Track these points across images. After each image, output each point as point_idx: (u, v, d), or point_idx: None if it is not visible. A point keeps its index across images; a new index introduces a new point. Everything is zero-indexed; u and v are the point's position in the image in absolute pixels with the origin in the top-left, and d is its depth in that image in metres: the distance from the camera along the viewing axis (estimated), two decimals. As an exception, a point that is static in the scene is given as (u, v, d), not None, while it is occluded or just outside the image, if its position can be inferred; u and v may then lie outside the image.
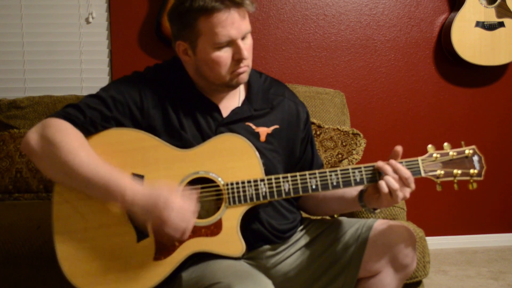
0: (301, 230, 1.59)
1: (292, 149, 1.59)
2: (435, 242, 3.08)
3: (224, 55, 1.40)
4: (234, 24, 1.37)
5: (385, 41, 3.03)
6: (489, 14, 2.86)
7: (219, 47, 1.39)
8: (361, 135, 2.47)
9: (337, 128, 2.49)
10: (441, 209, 3.12)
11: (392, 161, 1.40)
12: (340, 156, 2.37)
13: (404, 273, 1.50)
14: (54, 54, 2.84)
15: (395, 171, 1.38)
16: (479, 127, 3.12)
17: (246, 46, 1.42)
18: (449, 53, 2.98)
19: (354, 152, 2.38)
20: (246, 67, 1.44)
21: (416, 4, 3.03)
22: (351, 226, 1.53)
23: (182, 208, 1.29)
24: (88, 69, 2.86)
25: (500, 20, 2.87)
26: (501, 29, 2.87)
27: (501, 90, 3.11)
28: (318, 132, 2.44)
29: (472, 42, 2.86)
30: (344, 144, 2.41)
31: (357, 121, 2.95)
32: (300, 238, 1.57)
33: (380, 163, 1.40)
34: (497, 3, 2.86)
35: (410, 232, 1.49)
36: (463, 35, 2.86)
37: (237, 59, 1.41)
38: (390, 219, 1.96)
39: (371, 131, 2.99)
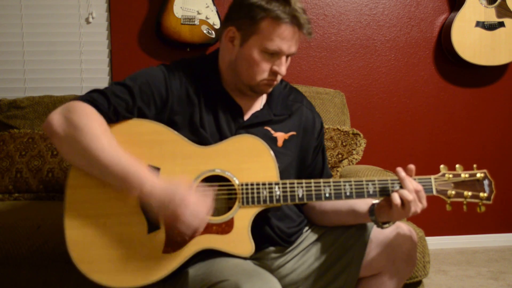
0: (306, 231, 1.60)
1: (304, 156, 1.60)
2: (435, 242, 3.08)
3: (266, 62, 1.43)
4: (289, 42, 1.42)
5: (385, 41, 3.03)
6: (489, 14, 2.86)
7: (266, 52, 1.42)
8: (361, 135, 2.46)
9: (337, 128, 2.49)
10: (441, 209, 3.10)
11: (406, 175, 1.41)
12: (340, 156, 2.37)
13: (405, 272, 1.50)
14: (54, 54, 2.84)
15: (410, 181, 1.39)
16: (479, 127, 3.12)
17: (286, 64, 1.47)
18: (449, 53, 2.98)
19: (354, 152, 2.38)
20: (274, 81, 1.48)
21: (416, 4, 3.03)
22: (352, 226, 1.53)
23: (197, 206, 1.28)
24: (88, 69, 2.86)
25: (500, 20, 2.87)
26: (501, 29, 2.87)
27: (501, 90, 3.11)
28: (318, 132, 2.44)
29: (472, 42, 2.86)
30: (344, 144, 2.41)
31: (357, 121, 2.95)
32: (304, 240, 1.57)
33: (399, 170, 1.42)
34: (497, 3, 2.86)
35: (410, 231, 1.50)
36: (463, 35, 2.86)
37: (274, 71, 1.45)
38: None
39: (371, 131, 2.99)
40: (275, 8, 1.38)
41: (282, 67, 1.45)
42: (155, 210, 1.29)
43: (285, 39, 1.41)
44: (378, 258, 1.47)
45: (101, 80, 2.85)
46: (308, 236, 1.57)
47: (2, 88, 2.81)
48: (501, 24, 2.87)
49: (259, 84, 1.46)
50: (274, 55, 1.43)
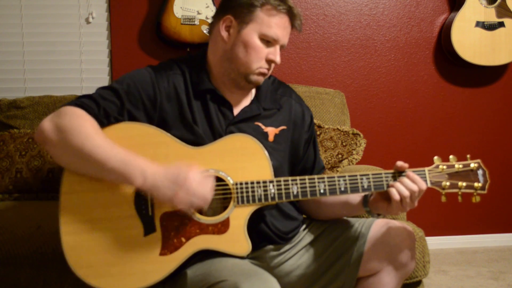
0: (304, 230, 1.60)
1: (296, 150, 1.61)
2: (435, 242, 3.08)
3: (263, 48, 1.47)
4: (284, 31, 1.49)
5: (385, 41, 3.03)
6: (489, 14, 2.86)
7: (263, 39, 1.46)
8: (361, 135, 2.47)
9: (337, 128, 2.49)
10: (441, 209, 3.12)
11: (410, 172, 1.42)
12: (340, 156, 2.37)
13: (404, 272, 1.50)
14: (54, 54, 2.84)
15: (413, 181, 1.41)
16: (479, 127, 3.12)
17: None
18: (449, 53, 2.98)
19: (354, 152, 2.38)
20: (268, 71, 1.51)
21: (416, 4, 3.03)
22: (351, 226, 1.54)
23: (202, 179, 1.31)
24: (88, 69, 2.86)
25: (500, 20, 2.87)
26: (501, 29, 2.87)
27: (501, 90, 3.11)
28: (318, 132, 2.44)
29: (472, 42, 2.86)
30: (344, 144, 2.41)
31: (357, 121, 2.95)
32: (302, 238, 1.58)
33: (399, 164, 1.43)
34: (497, 3, 2.86)
35: (410, 231, 1.50)
36: (463, 35, 2.86)
37: (269, 59, 1.48)
38: (390, 219, 1.96)
39: (371, 131, 2.99)
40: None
41: (277, 56, 1.48)
42: (163, 192, 1.29)
43: (281, 28, 1.47)
44: (377, 257, 1.48)
45: (101, 80, 2.85)
46: (306, 235, 1.58)
47: (2, 88, 2.81)
48: (501, 24, 2.87)
49: (253, 72, 1.47)
50: (270, 43, 1.47)
